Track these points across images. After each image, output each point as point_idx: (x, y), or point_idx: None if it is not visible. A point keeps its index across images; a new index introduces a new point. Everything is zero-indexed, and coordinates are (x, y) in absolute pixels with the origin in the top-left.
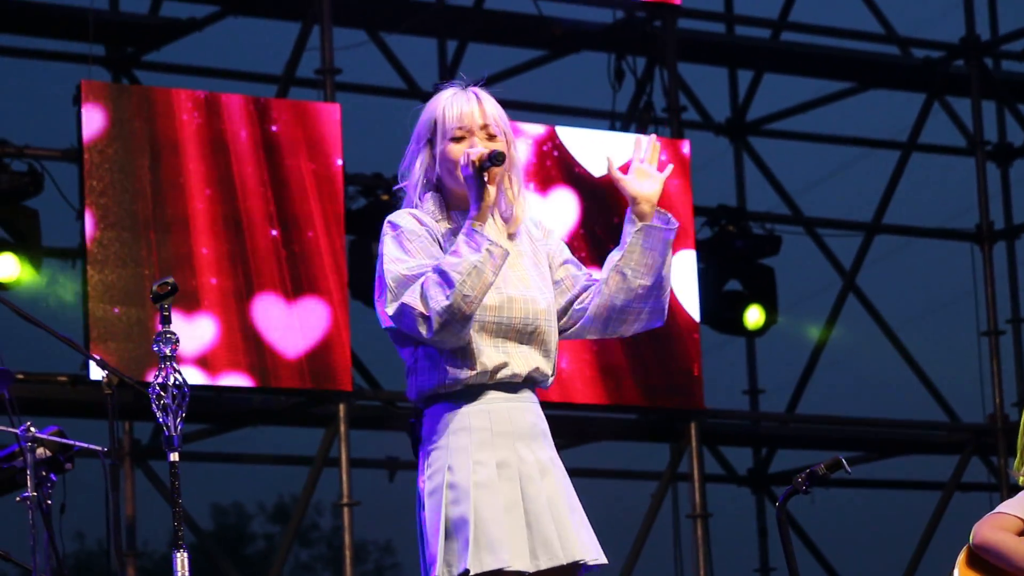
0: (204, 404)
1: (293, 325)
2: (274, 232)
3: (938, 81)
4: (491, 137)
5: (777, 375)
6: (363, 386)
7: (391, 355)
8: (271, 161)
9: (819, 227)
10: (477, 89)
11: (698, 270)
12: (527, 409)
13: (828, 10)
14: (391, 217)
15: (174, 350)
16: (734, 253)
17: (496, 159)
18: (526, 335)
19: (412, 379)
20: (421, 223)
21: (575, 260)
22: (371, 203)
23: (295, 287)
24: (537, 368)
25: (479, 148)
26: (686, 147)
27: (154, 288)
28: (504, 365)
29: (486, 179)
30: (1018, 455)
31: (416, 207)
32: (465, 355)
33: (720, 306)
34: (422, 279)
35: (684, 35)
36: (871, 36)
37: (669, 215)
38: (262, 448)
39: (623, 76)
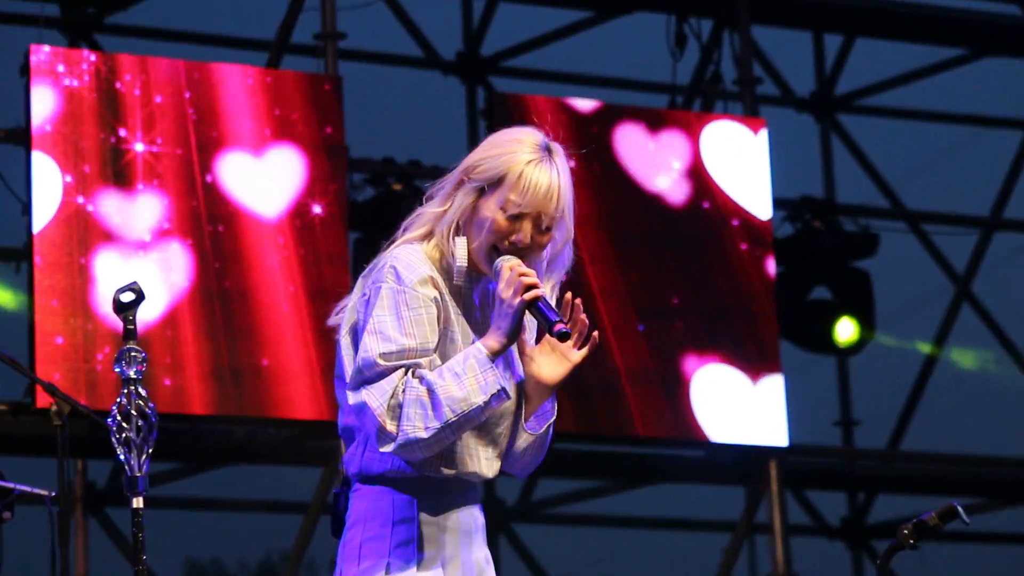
0: (176, 438)
1: None
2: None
3: None
4: (546, 230)
5: (876, 403)
6: None
7: None
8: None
9: (925, 222)
10: (561, 164)
11: (777, 274)
12: (476, 504)
13: None
14: (399, 258)
15: (140, 371)
16: (821, 254)
17: (561, 339)
18: (491, 435)
19: (357, 452)
20: (436, 287)
21: None
22: (380, 193)
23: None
24: (496, 471)
25: (535, 281)
26: (762, 128)
27: (116, 295)
28: (472, 468)
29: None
30: None
31: (423, 245)
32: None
33: (805, 318)
34: (403, 383)
35: None
36: None
37: (551, 416)
38: (246, 492)
39: (685, 41)
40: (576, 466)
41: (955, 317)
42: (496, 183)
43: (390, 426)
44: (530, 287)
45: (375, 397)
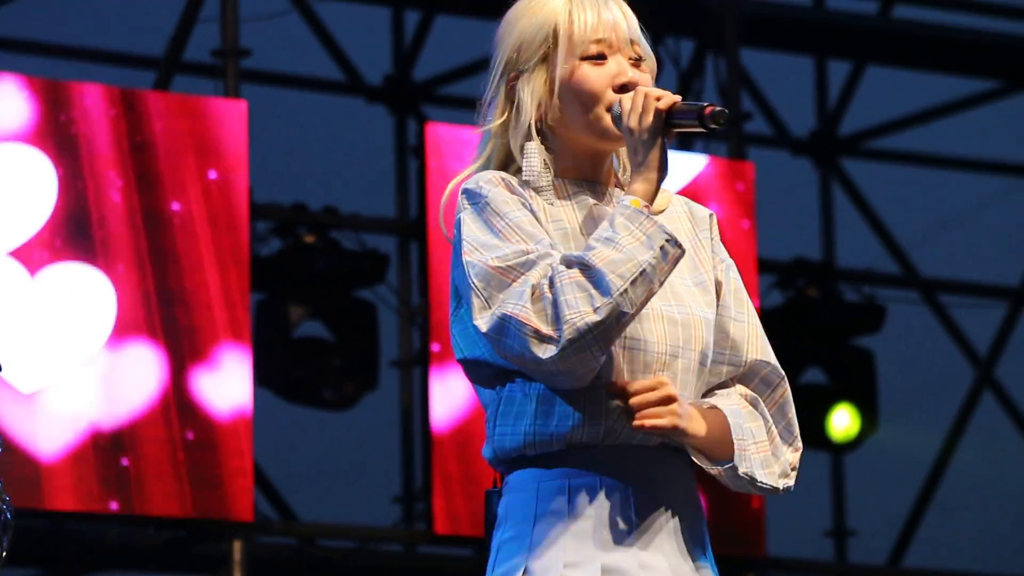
0: (37, 539)
1: None
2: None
3: None
4: (638, 62)
5: (875, 510)
6: (269, 515)
7: (310, 469)
8: (143, 181)
9: (942, 292)
10: None
11: None
12: (660, 488)
13: None
14: (467, 184)
15: None
16: (817, 328)
17: (719, 119)
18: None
19: (494, 429)
20: (513, 191)
21: (742, 301)
22: (289, 247)
23: (175, 363)
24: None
25: (652, 89)
26: (749, 172)
27: None
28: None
29: (668, 140)
30: None
31: (504, 167)
32: (576, 396)
33: (794, 406)
34: (544, 275)
35: (750, 8)
36: None
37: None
38: None
39: (661, 66)
40: None
41: (974, 407)
42: (553, 46)
43: (547, 328)
44: (656, 104)
45: (512, 301)
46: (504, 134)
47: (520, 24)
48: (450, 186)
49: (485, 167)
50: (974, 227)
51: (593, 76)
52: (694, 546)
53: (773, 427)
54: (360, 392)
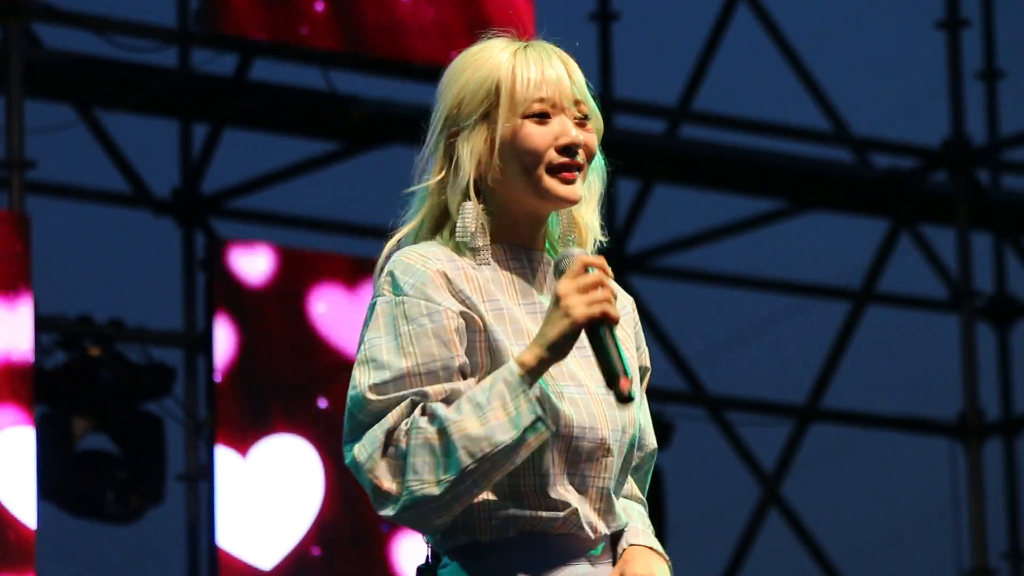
0: None
1: None
2: None
3: (909, 202)
4: (584, 121)
5: None
6: None
7: None
8: None
9: (728, 409)
10: (554, 47)
11: None
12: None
13: (750, 94)
14: (398, 262)
15: None
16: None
17: (621, 398)
18: (580, 474)
19: None
20: (448, 280)
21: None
22: (74, 361)
23: None
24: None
25: (610, 298)
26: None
27: None
28: (574, 509)
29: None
30: None
31: (439, 226)
32: (521, 481)
33: None
34: (405, 424)
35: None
36: (814, 135)
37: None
38: None
39: None
40: None
41: (759, 525)
42: (495, 103)
43: (389, 484)
44: (605, 307)
45: (365, 448)
46: (441, 191)
47: (462, 78)
48: (387, 247)
49: (419, 227)
50: (761, 345)
51: (535, 135)
52: None
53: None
54: (145, 506)
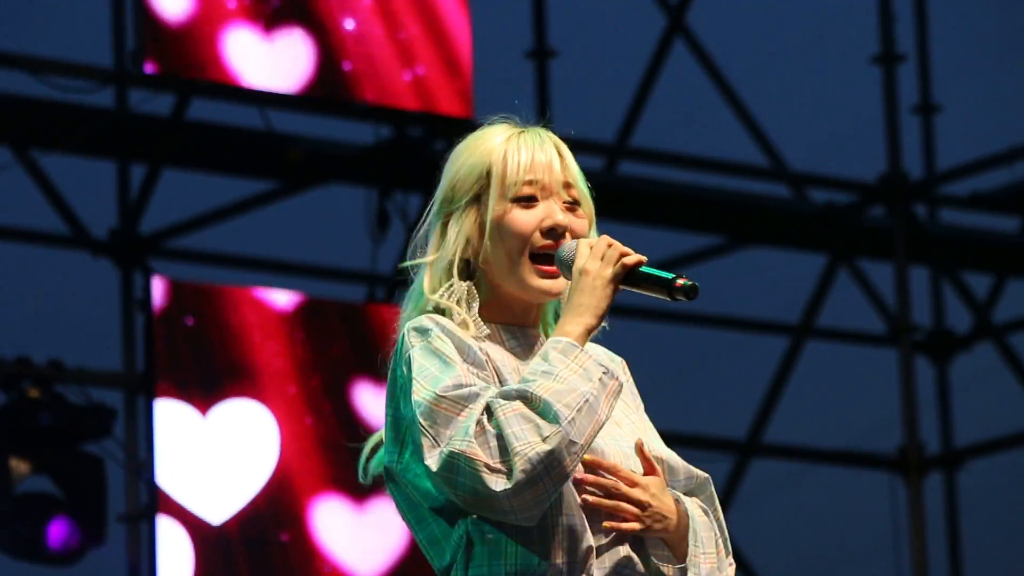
0: None
1: None
2: None
3: (846, 237)
4: (574, 206)
5: None
6: None
7: None
8: None
9: (670, 445)
10: (549, 133)
11: None
12: None
13: (688, 130)
14: (413, 323)
15: None
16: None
17: (690, 293)
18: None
19: (464, 573)
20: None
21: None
22: (13, 401)
23: None
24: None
25: (618, 244)
26: None
27: None
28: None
29: (616, 294)
30: None
31: (430, 305)
32: (550, 532)
33: None
34: (479, 407)
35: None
36: (751, 170)
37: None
38: None
39: (388, 221)
40: None
41: None
42: (486, 186)
43: (496, 461)
44: (626, 259)
45: (459, 439)
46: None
47: (459, 161)
48: (402, 328)
49: (420, 298)
50: (700, 380)
51: (521, 219)
52: None
53: (719, 540)
54: (86, 547)
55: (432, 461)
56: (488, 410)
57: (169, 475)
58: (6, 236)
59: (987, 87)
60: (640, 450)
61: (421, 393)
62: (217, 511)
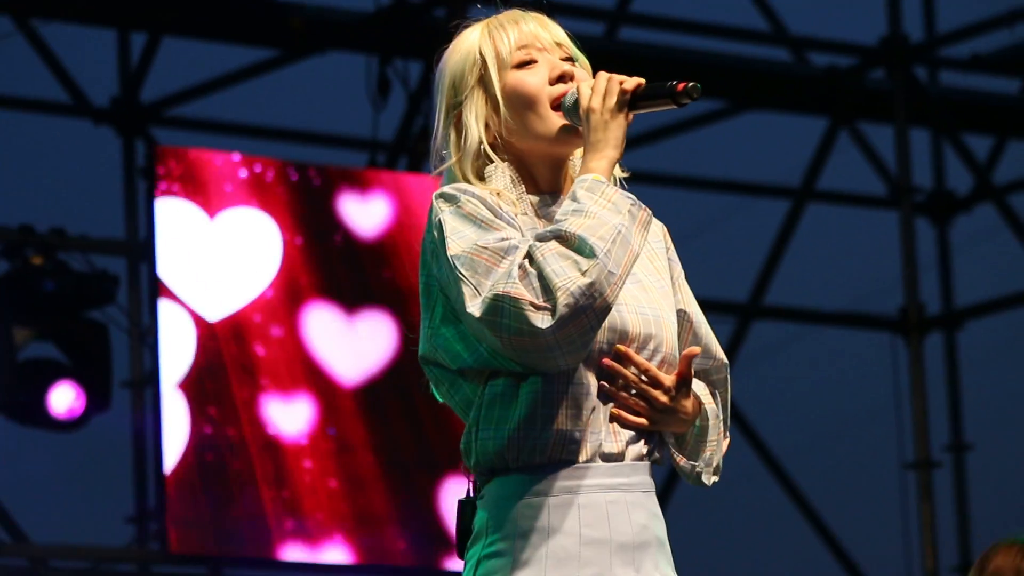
0: None
1: None
2: None
3: (847, 100)
4: (569, 62)
5: None
6: (1, 537)
7: (42, 491)
8: None
9: None
10: (521, 10)
11: None
12: (637, 503)
13: None
14: (440, 191)
15: None
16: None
17: (693, 93)
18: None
19: (476, 435)
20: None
21: (697, 305)
22: (16, 269)
23: None
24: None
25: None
26: None
27: None
28: (608, 448)
29: (628, 121)
30: None
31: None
32: (560, 407)
33: None
34: (520, 254)
35: None
36: (752, 35)
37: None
38: None
39: (389, 88)
40: None
41: None
42: (483, 67)
43: (542, 299)
44: (626, 85)
45: (503, 282)
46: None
47: (448, 65)
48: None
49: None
50: (702, 244)
51: (528, 79)
52: (666, 562)
53: (721, 424)
54: (91, 413)
55: (475, 308)
56: (528, 255)
57: (172, 270)
58: (7, 105)
59: None
60: (686, 360)
61: (460, 246)
62: (215, 310)
